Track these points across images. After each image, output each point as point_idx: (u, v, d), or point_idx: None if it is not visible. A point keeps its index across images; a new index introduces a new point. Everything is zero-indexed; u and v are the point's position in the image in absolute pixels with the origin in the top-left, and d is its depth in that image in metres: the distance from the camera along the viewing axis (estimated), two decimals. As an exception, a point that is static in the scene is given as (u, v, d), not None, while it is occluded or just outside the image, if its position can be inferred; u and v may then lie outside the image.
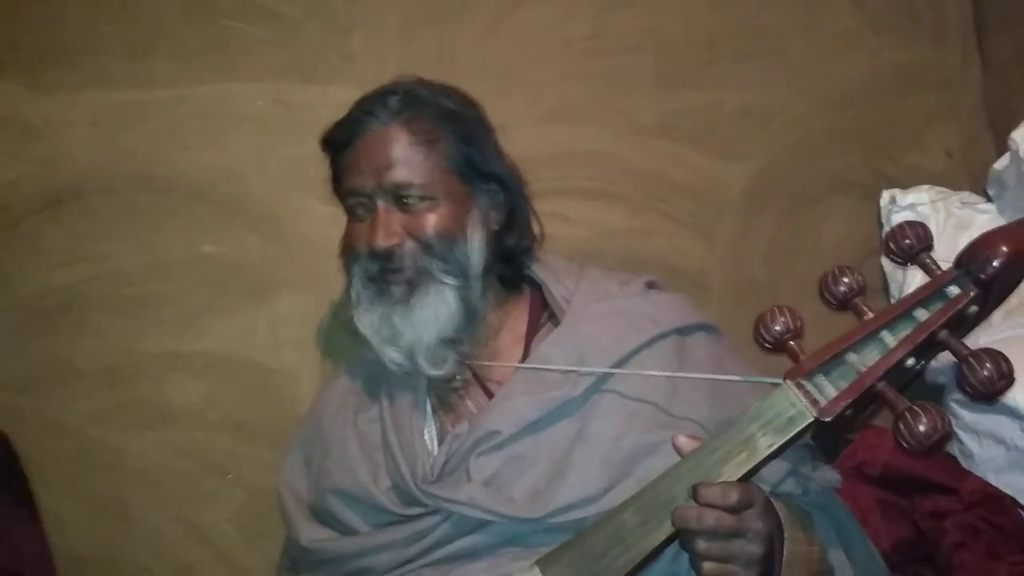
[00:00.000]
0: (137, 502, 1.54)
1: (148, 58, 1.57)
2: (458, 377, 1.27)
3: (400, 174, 1.21)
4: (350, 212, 1.26)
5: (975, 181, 1.97)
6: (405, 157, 1.22)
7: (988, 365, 0.80)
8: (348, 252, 1.26)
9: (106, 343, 1.54)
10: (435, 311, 1.20)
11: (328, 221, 1.51)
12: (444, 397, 1.27)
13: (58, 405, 1.52)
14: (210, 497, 1.56)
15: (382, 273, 1.22)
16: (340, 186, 1.28)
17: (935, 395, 1.69)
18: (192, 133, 1.58)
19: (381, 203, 1.22)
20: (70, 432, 1.52)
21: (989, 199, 1.91)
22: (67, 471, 1.52)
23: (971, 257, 0.84)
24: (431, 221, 1.21)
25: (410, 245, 1.21)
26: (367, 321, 1.22)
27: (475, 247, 1.23)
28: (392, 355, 1.21)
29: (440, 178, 1.23)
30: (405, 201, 1.21)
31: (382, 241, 1.20)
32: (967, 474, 1.51)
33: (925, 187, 1.90)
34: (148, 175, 1.56)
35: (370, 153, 1.22)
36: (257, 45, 1.61)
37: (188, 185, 1.57)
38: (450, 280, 1.21)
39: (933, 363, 1.59)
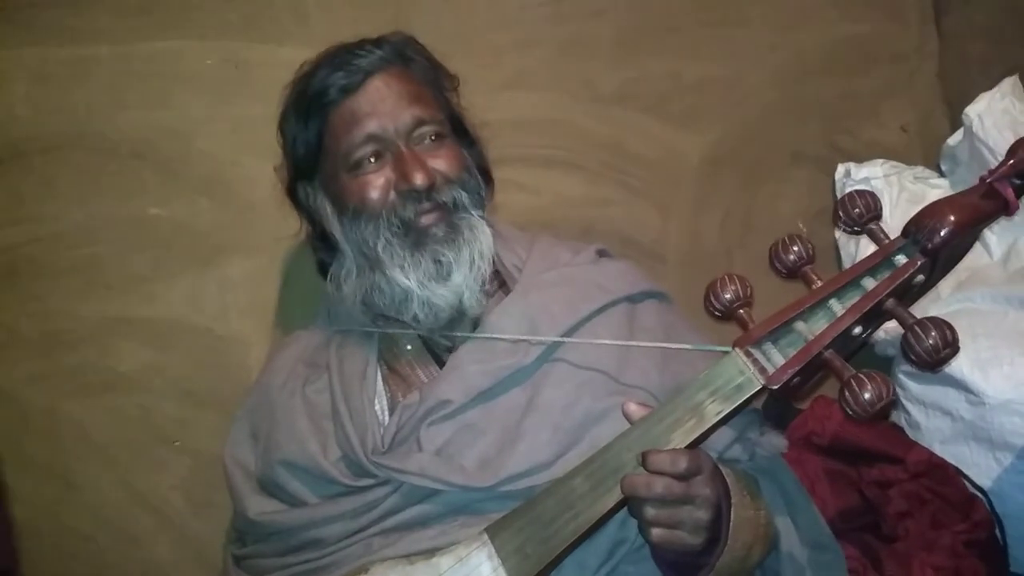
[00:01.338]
0: (81, 469, 1.51)
1: (92, 13, 1.51)
2: (408, 346, 1.25)
3: (418, 111, 1.22)
4: (355, 166, 1.22)
5: (929, 156, 1.99)
6: (417, 94, 1.24)
7: (933, 334, 0.81)
8: (367, 206, 1.21)
9: (48, 307, 1.50)
10: (480, 243, 1.21)
11: (278, 184, 1.48)
12: (394, 366, 1.26)
13: (-2, 370, 1.49)
14: (156, 465, 1.53)
15: (416, 216, 1.20)
16: (342, 138, 1.22)
17: (884, 367, 1.71)
18: (138, 91, 1.53)
19: (401, 143, 1.21)
20: (11, 398, 1.49)
21: (942, 174, 1.94)
22: (8, 437, 1.48)
23: (918, 226, 0.85)
24: (451, 155, 1.23)
25: (440, 182, 1.21)
26: (410, 270, 1.19)
27: (481, 183, 1.27)
28: (441, 294, 1.19)
29: (444, 118, 1.26)
30: (422, 140, 1.22)
31: (421, 178, 1.18)
32: (913, 444, 1.53)
33: (879, 161, 1.92)
34: (92, 134, 1.51)
35: (382, 95, 1.22)
36: (207, 2, 1.56)
37: (133, 145, 1.53)
38: (478, 212, 1.23)
39: (883, 336, 1.63)
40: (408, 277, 1.19)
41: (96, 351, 1.52)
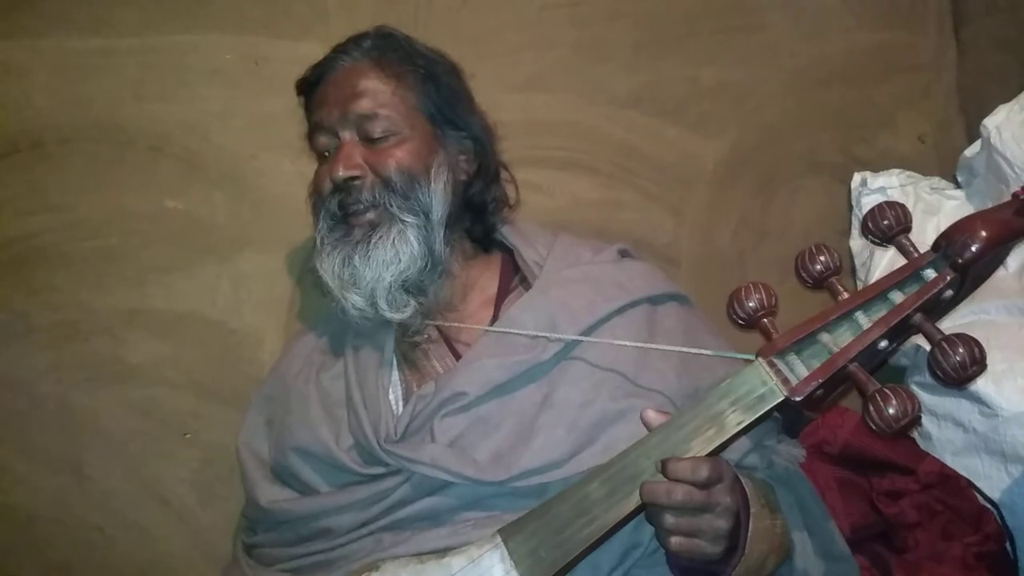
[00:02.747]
0: (91, 460, 1.50)
1: (113, 5, 1.51)
2: (425, 336, 1.25)
3: (365, 104, 1.22)
4: (319, 154, 1.27)
5: (945, 167, 1.98)
6: (372, 89, 1.23)
7: (961, 351, 0.80)
8: (313, 194, 1.26)
9: (62, 297, 1.49)
10: (396, 250, 1.19)
11: (294, 180, 1.49)
12: (411, 357, 1.25)
13: (11, 359, 1.47)
14: (167, 457, 1.53)
15: (343, 212, 1.21)
16: (310, 127, 1.28)
17: (897, 377, 1.71)
18: (156, 84, 1.53)
19: (346, 135, 1.22)
20: (24, 387, 1.48)
21: (958, 185, 1.93)
22: (19, 426, 1.48)
23: (949, 240, 0.84)
24: (394, 156, 1.21)
25: (371, 180, 1.21)
26: (328, 266, 1.21)
27: (438, 189, 1.23)
28: (353, 299, 1.20)
29: (407, 114, 1.24)
30: (370, 135, 1.22)
31: (342, 171, 1.20)
32: (924, 455, 1.53)
33: (896, 171, 1.91)
34: (110, 126, 1.51)
35: (338, 86, 1.24)
36: (228, -4, 1.57)
37: (150, 138, 1.52)
38: (410, 219, 1.20)
39: (897, 345, 1.62)
40: (328, 273, 1.21)
41: (109, 342, 1.51)
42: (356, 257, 1.19)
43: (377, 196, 1.20)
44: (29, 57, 1.48)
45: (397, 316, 1.20)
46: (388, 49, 1.26)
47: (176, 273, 1.55)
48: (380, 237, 1.19)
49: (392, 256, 1.18)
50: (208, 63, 1.56)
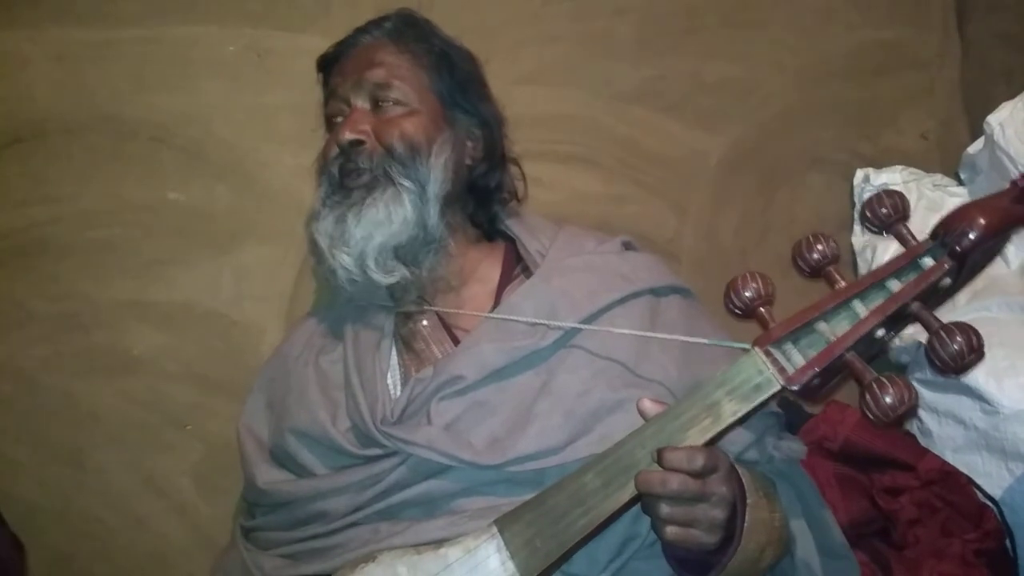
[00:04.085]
0: (92, 451, 1.51)
1: (116, -4, 1.52)
2: (424, 322, 1.26)
3: (380, 74, 1.24)
4: (330, 124, 1.29)
5: (948, 164, 1.98)
6: (389, 62, 1.26)
7: (959, 339, 0.80)
8: (322, 160, 1.27)
9: (64, 288, 1.50)
10: (388, 211, 1.19)
11: (296, 172, 1.49)
12: (410, 342, 1.25)
13: (12, 349, 1.48)
14: (168, 449, 1.53)
15: (343, 175, 1.22)
16: (326, 95, 1.30)
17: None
18: (158, 76, 1.53)
19: (358, 103, 1.25)
20: (25, 377, 1.49)
21: (961, 182, 1.93)
22: (20, 417, 1.49)
23: (947, 229, 0.84)
24: (400, 126, 1.23)
25: (374, 146, 1.22)
26: (323, 227, 1.21)
27: (438, 165, 1.23)
28: (342, 258, 1.19)
29: (419, 90, 1.26)
30: (381, 104, 1.24)
31: (348, 134, 1.22)
32: (925, 452, 1.52)
33: (898, 167, 1.91)
34: (111, 117, 1.51)
35: (356, 59, 1.27)
36: (230, -12, 1.57)
37: (152, 129, 1.53)
38: (408, 184, 1.21)
39: (897, 342, 1.62)
40: (321, 233, 1.21)
41: (110, 333, 1.52)
42: (349, 216, 1.19)
43: (376, 163, 1.21)
44: (31, 48, 1.48)
45: (385, 279, 1.20)
46: (408, 27, 1.30)
47: (177, 265, 1.55)
48: (375, 199, 1.20)
49: (384, 216, 1.19)
50: (210, 55, 1.56)
